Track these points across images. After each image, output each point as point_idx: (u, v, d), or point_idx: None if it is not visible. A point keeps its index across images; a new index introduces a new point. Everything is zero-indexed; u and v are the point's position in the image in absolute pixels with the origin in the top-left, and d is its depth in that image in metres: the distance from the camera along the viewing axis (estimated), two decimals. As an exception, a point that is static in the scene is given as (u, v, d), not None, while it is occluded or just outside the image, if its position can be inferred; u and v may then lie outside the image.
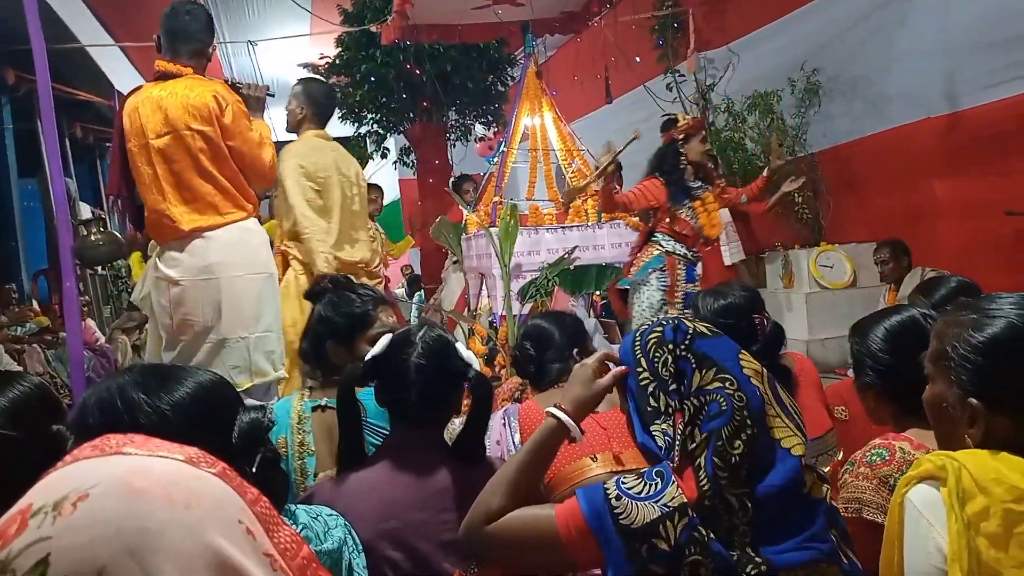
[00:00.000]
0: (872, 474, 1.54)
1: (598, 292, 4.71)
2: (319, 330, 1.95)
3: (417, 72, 6.55)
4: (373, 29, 5.56)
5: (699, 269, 4.16)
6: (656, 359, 1.29)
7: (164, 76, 2.94)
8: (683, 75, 6.85)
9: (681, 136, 3.98)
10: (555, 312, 2.75)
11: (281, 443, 1.81)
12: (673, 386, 1.26)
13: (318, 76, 4.07)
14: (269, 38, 6.57)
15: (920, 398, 1.27)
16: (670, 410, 1.26)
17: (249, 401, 1.18)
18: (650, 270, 3.98)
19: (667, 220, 4.00)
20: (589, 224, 4.45)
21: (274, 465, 1.10)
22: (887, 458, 1.54)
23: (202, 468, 0.65)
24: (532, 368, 2.21)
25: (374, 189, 5.59)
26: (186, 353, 2.89)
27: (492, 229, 4.25)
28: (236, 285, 2.90)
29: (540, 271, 4.17)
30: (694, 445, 1.19)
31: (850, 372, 1.85)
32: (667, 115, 4.30)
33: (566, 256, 4.20)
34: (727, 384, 1.22)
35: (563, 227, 4.43)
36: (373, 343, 1.57)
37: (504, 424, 2.11)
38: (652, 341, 1.31)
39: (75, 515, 0.57)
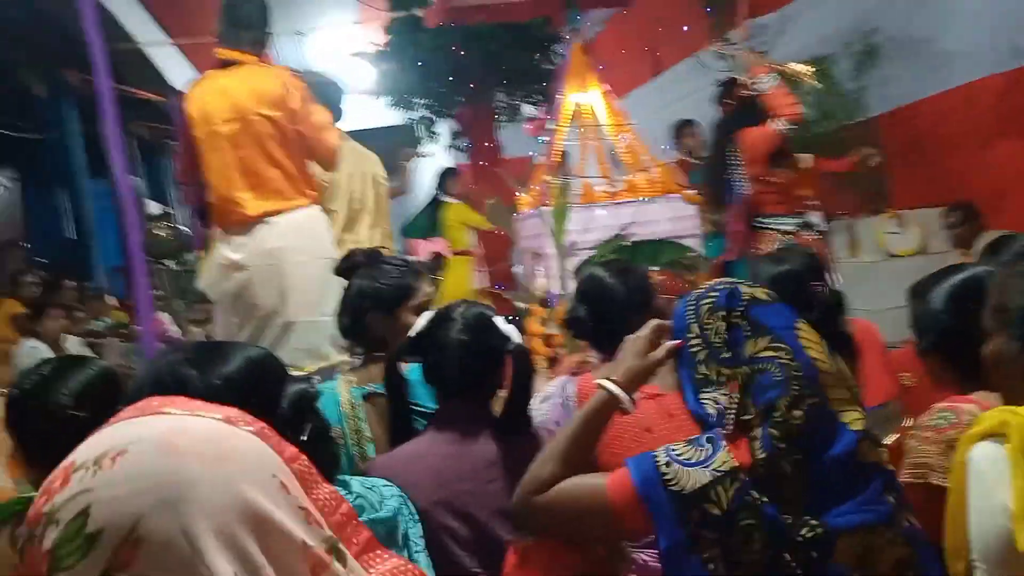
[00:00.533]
0: (938, 438, 1.49)
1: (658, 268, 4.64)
2: (360, 304, 1.93)
3: (463, 54, 6.55)
4: (418, 13, 5.58)
5: None
6: (708, 326, 1.27)
7: (226, 64, 3.00)
8: (735, 43, 6.67)
9: None
10: (620, 262, 2.54)
11: (336, 433, 1.82)
12: (726, 354, 1.24)
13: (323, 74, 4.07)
14: (316, 27, 6.65)
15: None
16: (722, 378, 1.24)
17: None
18: None
19: (766, 182, 3.90)
20: (643, 200, 4.40)
21: (323, 434, 1.13)
22: (953, 421, 1.48)
23: (239, 427, 0.67)
24: (589, 327, 2.01)
25: (451, 173, 5.70)
26: (253, 337, 2.96)
27: (544, 208, 4.23)
28: (301, 269, 2.95)
29: (595, 249, 4.15)
30: (750, 416, 1.17)
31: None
32: (726, 80, 4.27)
33: (621, 233, 4.16)
34: (781, 353, 1.19)
35: (616, 204, 4.39)
36: (417, 312, 1.59)
37: (562, 402, 2.02)
38: (705, 307, 1.29)
39: (114, 469, 0.60)
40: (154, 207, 9.47)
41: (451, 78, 6.92)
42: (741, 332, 1.24)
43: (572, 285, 3.99)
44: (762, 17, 6.54)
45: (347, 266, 2.03)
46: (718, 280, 1.39)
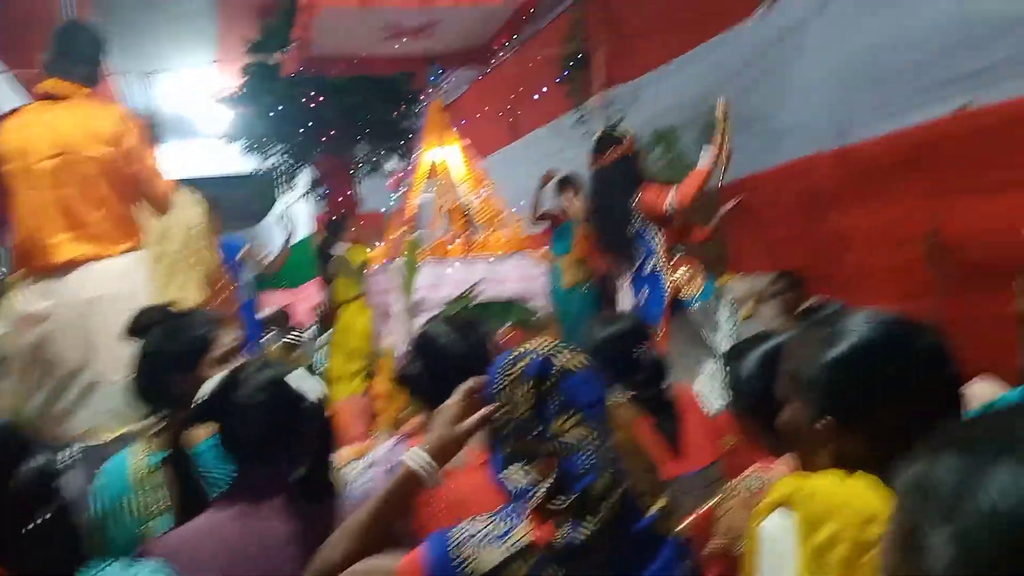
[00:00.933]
0: (747, 503, 1.51)
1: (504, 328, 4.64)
2: (157, 364, 1.80)
3: (321, 103, 6.44)
4: (274, 60, 5.44)
5: None
6: (516, 396, 1.20)
7: (52, 97, 2.80)
8: (591, 111, 6.95)
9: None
10: (460, 318, 2.47)
11: (124, 505, 1.66)
12: (534, 429, 1.17)
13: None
14: (169, 67, 6.37)
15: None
16: (528, 454, 1.17)
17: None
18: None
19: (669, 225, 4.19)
20: (494, 257, 4.40)
21: (63, 516, 0.98)
22: (760, 487, 1.51)
23: None
24: (423, 386, 1.92)
25: (342, 221, 5.54)
26: (52, 398, 2.68)
27: (393, 263, 4.15)
28: (117, 322, 2.71)
29: (444, 306, 4.09)
30: (560, 501, 1.12)
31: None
32: (607, 132, 4.44)
33: (468, 292, 4.13)
34: (591, 435, 1.15)
35: (468, 261, 4.37)
36: (221, 365, 1.49)
37: (388, 468, 1.91)
38: (514, 375, 1.22)
39: None
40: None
41: (308, 127, 6.78)
42: (551, 406, 1.17)
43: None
44: (616, 88, 6.85)
45: (139, 326, 1.88)
46: (536, 343, 1.33)
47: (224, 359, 1.75)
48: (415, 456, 1.24)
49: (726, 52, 5.65)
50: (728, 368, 1.74)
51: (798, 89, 5.14)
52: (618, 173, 4.22)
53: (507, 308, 4.14)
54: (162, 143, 3.55)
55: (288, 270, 11.93)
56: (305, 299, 10.81)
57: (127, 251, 2.81)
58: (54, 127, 2.70)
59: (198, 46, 7.25)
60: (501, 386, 1.22)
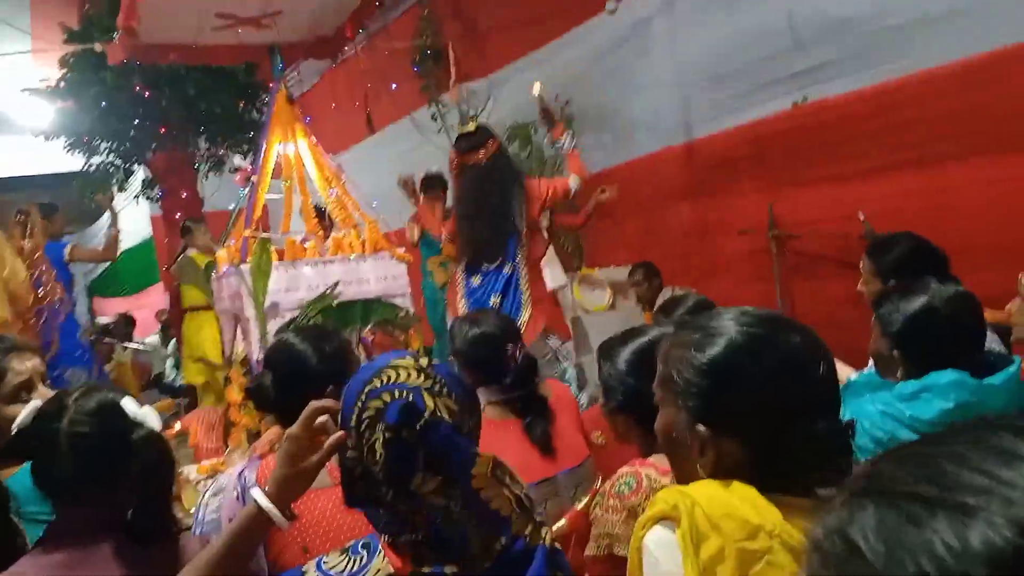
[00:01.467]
0: (621, 506, 1.48)
1: (369, 327, 4.48)
2: None
3: (153, 95, 5.96)
4: (98, 48, 4.96)
5: None
6: (371, 440, 1.01)
7: None
8: (447, 105, 6.86)
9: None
10: (315, 328, 2.31)
11: None
12: (390, 487, 1.00)
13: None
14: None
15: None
16: (386, 506, 1.03)
17: None
18: None
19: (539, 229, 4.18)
20: (352, 257, 4.23)
21: None
22: (635, 487, 1.48)
23: None
24: (273, 401, 1.77)
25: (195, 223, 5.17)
26: None
27: (243, 266, 3.90)
28: None
29: (300, 309, 3.88)
30: (426, 552, 1.01)
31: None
32: (477, 127, 4.29)
33: (328, 292, 3.94)
34: (454, 504, 0.99)
35: (323, 261, 4.17)
36: (15, 397, 1.29)
37: (237, 495, 1.72)
38: (370, 414, 1.02)
39: None
40: None
41: (139, 121, 6.25)
42: (411, 458, 0.99)
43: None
44: (472, 82, 6.81)
45: None
46: (400, 370, 1.05)
47: (20, 391, 1.53)
48: (260, 495, 1.10)
49: (576, 50, 5.74)
50: (599, 364, 1.72)
51: (646, 86, 5.30)
52: (496, 169, 4.05)
53: (368, 307, 3.98)
54: None
55: (126, 276, 11.07)
56: (146, 306, 10.09)
57: None
58: None
59: (11, 35, 6.55)
60: (353, 423, 1.04)
